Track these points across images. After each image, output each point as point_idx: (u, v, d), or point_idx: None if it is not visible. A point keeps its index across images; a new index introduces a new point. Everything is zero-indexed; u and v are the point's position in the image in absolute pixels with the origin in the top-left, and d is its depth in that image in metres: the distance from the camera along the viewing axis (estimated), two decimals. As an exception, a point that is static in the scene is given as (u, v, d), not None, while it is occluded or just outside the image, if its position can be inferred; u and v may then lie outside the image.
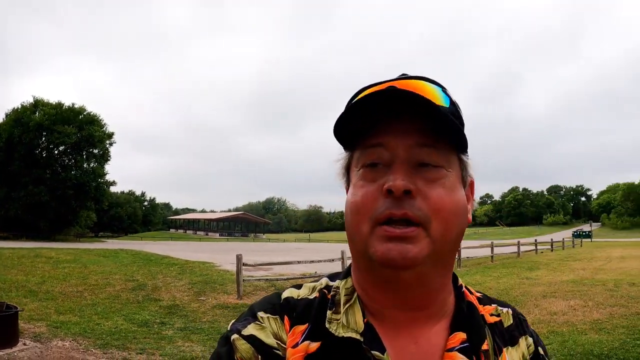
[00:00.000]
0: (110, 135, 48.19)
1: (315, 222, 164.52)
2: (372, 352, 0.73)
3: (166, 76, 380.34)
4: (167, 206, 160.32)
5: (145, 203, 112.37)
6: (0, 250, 19.71)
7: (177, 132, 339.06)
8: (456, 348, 0.76)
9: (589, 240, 54.79)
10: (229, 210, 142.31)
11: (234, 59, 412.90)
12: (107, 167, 49.15)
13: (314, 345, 0.76)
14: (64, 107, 45.96)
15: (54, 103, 46.21)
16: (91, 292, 12.54)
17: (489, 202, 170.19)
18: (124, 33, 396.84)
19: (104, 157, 48.30)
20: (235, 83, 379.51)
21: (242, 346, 0.75)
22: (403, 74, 0.82)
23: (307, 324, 0.79)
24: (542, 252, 30.19)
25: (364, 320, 0.77)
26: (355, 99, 0.78)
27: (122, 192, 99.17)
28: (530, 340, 0.88)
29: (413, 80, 0.78)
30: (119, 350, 7.49)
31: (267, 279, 13.72)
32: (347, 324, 0.77)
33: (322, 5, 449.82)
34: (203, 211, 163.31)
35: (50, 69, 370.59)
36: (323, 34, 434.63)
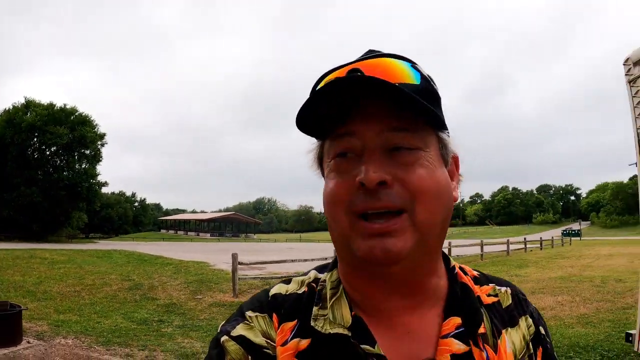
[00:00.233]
0: (102, 136, 47.95)
1: (305, 222, 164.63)
2: (362, 346, 0.71)
3: (155, 76, 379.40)
4: (157, 207, 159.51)
5: (136, 204, 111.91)
6: (-5, 252, 19.73)
7: (167, 133, 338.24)
8: (451, 334, 0.74)
9: (578, 238, 54.97)
10: (220, 211, 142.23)
11: (224, 59, 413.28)
12: (99, 168, 49.07)
13: (305, 343, 0.74)
14: (55, 108, 45.67)
15: (46, 104, 45.90)
16: (89, 292, 12.69)
17: (478, 201, 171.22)
18: (112, 33, 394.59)
19: (96, 158, 48.06)
20: (225, 83, 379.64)
21: (232, 347, 0.74)
22: (370, 50, 0.78)
23: (296, 321, 0.77)
24: (531, 251, 30.53)
25: (351, 314, 0.75)
26: (319, 86, 0.74)
27: (113, 193, 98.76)
28: (530, 320, 0.85)
29: (380, 59, 0.74)
30: (121, 347, 7.68)
31: (261, 278, 13.96)
32: (334, 319, 0.75)
33: (312, 5, 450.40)
34: (193, 212, 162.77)
35: (37, 69, 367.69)
36: (312, 33, 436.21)
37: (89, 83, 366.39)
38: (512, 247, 28.21)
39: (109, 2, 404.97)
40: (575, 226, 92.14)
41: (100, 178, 49.07)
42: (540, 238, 36.98)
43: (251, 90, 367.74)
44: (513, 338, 0.79)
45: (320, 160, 0.79)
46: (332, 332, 0.73)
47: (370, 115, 0.69)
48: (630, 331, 6.22)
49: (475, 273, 0.88)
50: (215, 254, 26.28)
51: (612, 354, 6.80)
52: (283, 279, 0.89)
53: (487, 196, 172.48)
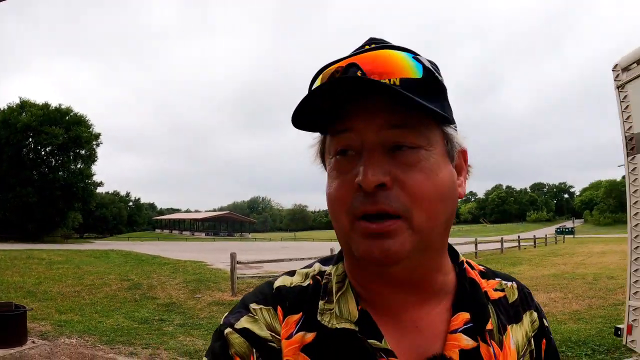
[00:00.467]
0: (97, 136, 48.02)
1: (300, 221, 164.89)
2: (369, 341, 0.70)
3: (150, 76, 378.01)
4: (151, 206, 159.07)
5: (130, 203, 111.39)
6: (-8, 252, 19.80)
7: (160, 132, 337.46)
8: (460, 329, 0.73)
9: (572, 236, 55.28)
10: (214, 210, 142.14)
11: (218, 58, 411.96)
12: (94, 168, 49.06)
13: (310, 336, 0.73)
14: (50, 108, 45.72)
15: (41, 104, 45.93)
16: (88, 292, 12.79)
17: (472, 199, 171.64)
18: (107, 33, 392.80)
19: (91, 158, 48.15)
20: (219, 82, 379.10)
21: (236, 340, 0.72)
22: (371, 39, 0.76)
23: (300, 313, 0.76)
24: (525, 249, 30.73)
25: (358, 308, 0.74)
26: (316, 82, 0.73)
27: (107, 193, 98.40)
28: (535, 315, 0.84)
29: (380, 52, 0.70)
30: (125, 345, 7.83)
31: (259, 277, 14.12)
32: (341, 313, 0.74)
33: (305, 5, 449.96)
34: (188, 211, 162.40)
35: (32, 69, 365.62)
36: (306, 33, 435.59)
37: (84, 83, 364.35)
38: (506, 245, 28.46)
39: (104, 2, 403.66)
40: (568, 224, 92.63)
41: (95, 178, 49.18)
42: (534, 236, 37.32)
43: (245, 90, 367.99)
44: (517, 334, 0.79)
45: (322, 155, 0.77)
46: (338, 326, 0.72)
47: (368, 111, 0.67)
48: (619, 325, 6.39)
49: (481, 267, 0.88)
50: (211, 253, 26.48)
51: (603, 348, 7.01)
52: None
53: (481, 194, 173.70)
